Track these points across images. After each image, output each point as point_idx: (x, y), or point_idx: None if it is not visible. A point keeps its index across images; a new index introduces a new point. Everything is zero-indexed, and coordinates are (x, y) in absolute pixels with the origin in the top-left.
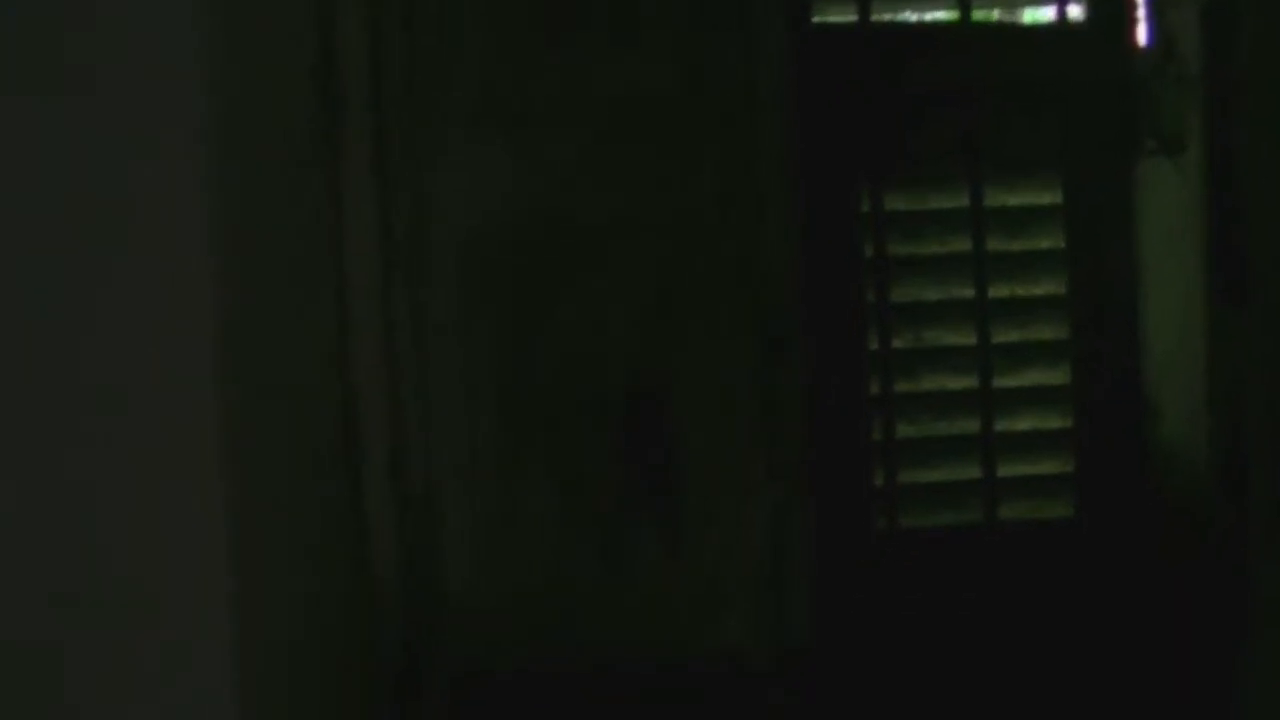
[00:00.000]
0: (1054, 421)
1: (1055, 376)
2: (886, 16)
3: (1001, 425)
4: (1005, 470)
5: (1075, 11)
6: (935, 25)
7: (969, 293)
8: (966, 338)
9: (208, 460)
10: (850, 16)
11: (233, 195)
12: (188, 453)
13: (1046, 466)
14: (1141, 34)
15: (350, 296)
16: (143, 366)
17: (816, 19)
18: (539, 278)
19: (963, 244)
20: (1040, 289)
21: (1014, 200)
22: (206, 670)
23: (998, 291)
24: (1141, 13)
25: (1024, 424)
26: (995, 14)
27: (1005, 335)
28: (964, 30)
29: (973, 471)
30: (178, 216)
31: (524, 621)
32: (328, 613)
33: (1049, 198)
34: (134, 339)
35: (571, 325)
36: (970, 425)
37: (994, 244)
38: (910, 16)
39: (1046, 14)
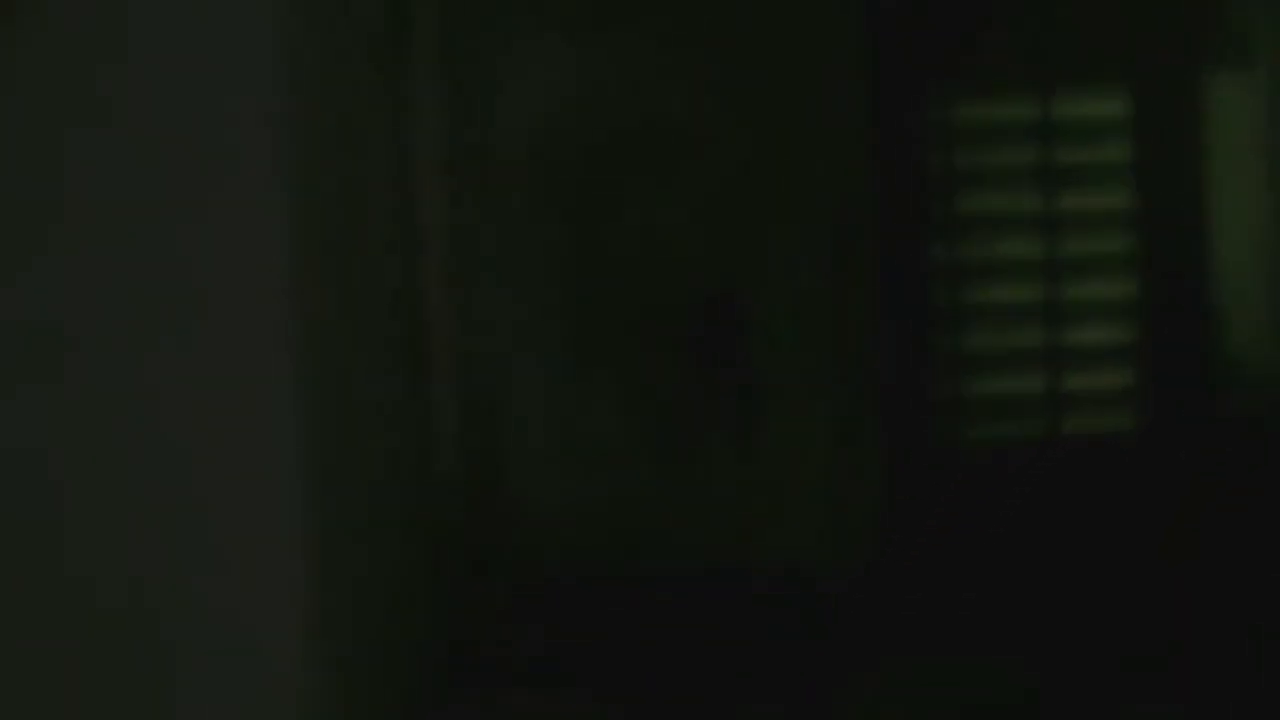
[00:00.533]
0: (1120, 334)
1: (1122, 289)
2: None
3: (1067, 338)
4: (1070, 383)
5: None
6: None
7: (1036, 204)
8: (1033, 249)
9: (284, 362)
10: None
11: (311, 102)
12: (265, 355)
13: (1112, 379)
14: None
15: (419, 201)
16: (223, 263)
17: None
18: (607, 182)
19: (1030, 155)
20: (1107, 201)
21: (1082, 111)
22: (282, 569)
23: (1065, 203)
24: None
25: (1090, 336)
26: None
27: (1072, 247)
28: None
29: (1038, 384)
30: (260, 122)
31: (589, 527)
32: (396, 517)
33: (1117, 109)
34: (214, 242)
35: (641, 231)
36: (1036, 338)
37: (1062, 155)
38: None
39: None
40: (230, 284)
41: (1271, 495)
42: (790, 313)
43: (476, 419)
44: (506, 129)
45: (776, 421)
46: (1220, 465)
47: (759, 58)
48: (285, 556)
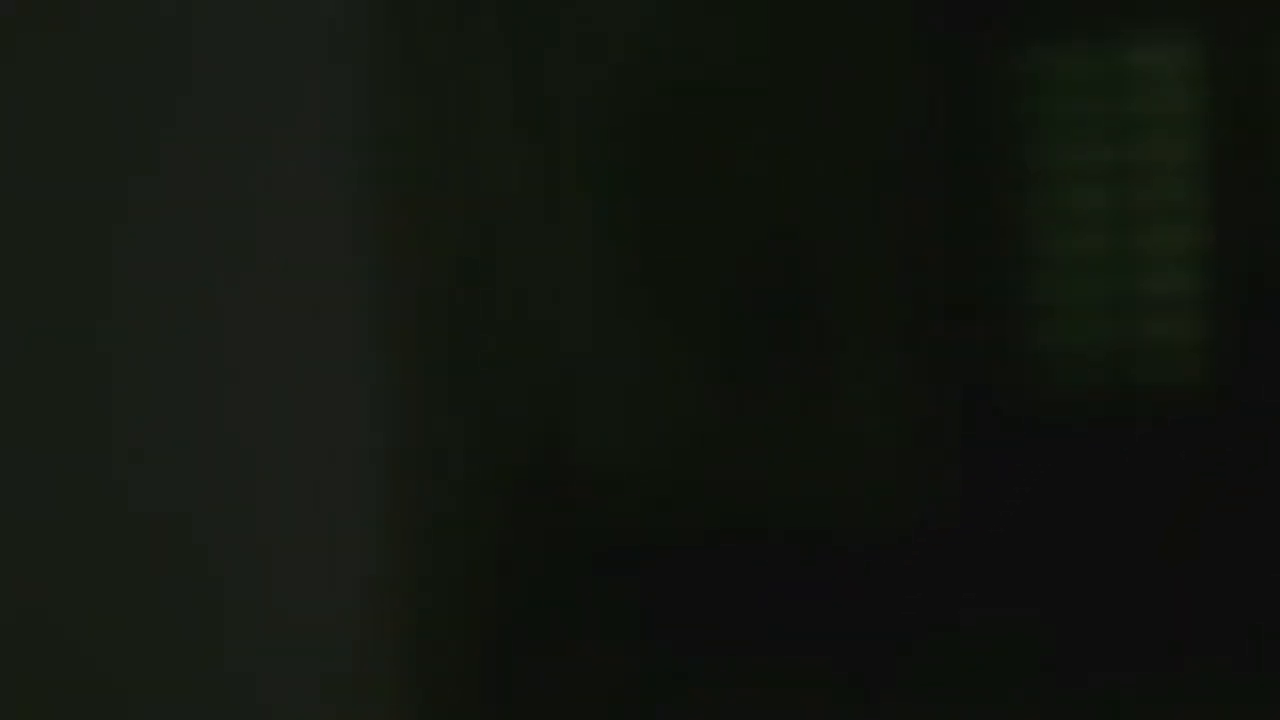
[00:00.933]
0: (1192, 286)
1: (1195, 239)
2: None
3: (1138, 288)
4: (1142, 334)
5: None
6: None
7: (1106, 154)
8: (1102, 200)
9: (364, 317)
10: None
11: (388, 73)
12: (344, 328)
13: (1183, 330)
14: None
15: (485, 158)
16: (299, 243)
17: None
18: (673, 134)
19: (1099, 104)
20: (1178, 151)
21: (1153, 59)
22: (357, 543)
23: (1134, 153)
24: None
25: (1161, 288)
26: None
27: (1143, 198)
28: None
29: (1107, 335)
30: (341, 92)
31: (656, 484)
32: (470, 477)
33: (1188, 57)
34: (301, 187)
35: (708, 184)
36: (1107, 289)
37: (1131, 105)
38: None
39: None
40: (306, 263)
41: None
42: (860, 266)
43: (544, 378)
44: (572, 82)
45: (846, 376)
46: None
47: (825, 8)
48: (360, 529)
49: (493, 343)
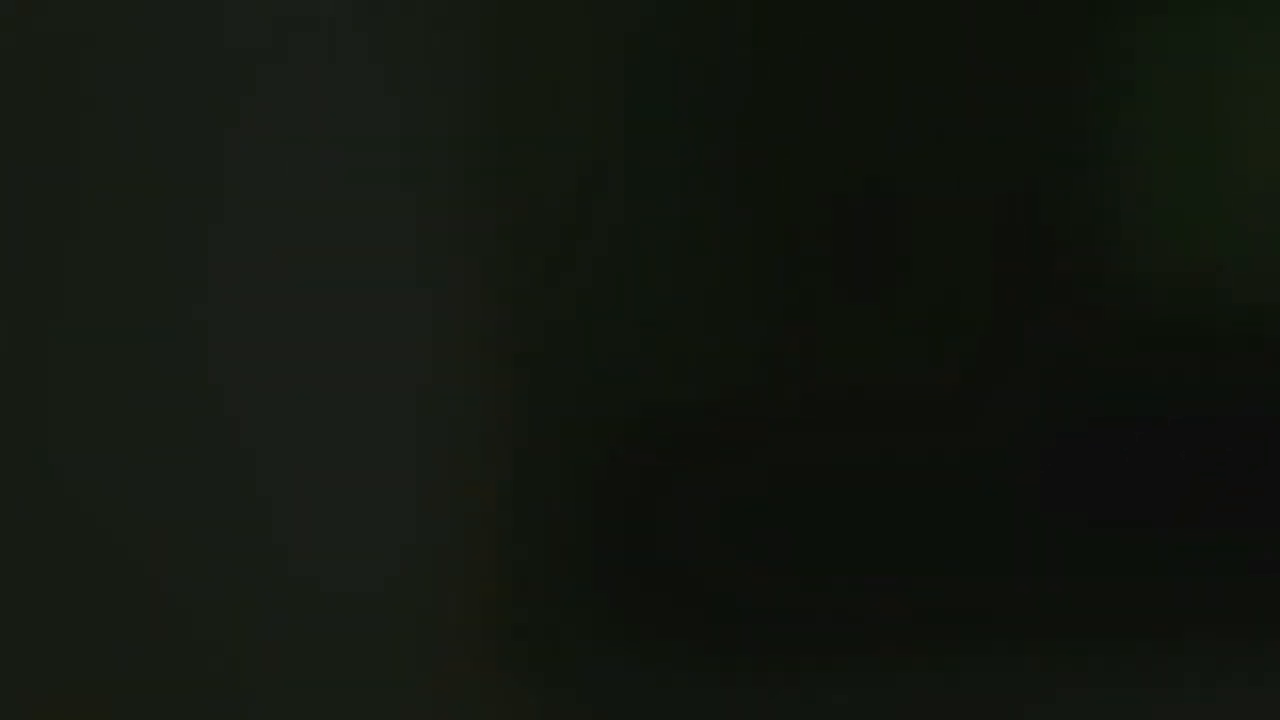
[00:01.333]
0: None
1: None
2: None
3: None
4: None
5: None
6: None
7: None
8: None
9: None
10: None
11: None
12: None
13: None
14: None
15: (556, 110)
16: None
17: None
18: (756, 81)
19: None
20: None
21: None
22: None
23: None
24: None
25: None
26: None
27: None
28: None
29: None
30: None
31: (719, 432)
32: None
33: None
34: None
35: (785, 120)
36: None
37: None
38: None
39: None
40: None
41: None
42: (946, 217)
43: (619, 325)
44: (654, 34)
45: (921, 310)
46: None
47: None
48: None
49: (564, 297)
